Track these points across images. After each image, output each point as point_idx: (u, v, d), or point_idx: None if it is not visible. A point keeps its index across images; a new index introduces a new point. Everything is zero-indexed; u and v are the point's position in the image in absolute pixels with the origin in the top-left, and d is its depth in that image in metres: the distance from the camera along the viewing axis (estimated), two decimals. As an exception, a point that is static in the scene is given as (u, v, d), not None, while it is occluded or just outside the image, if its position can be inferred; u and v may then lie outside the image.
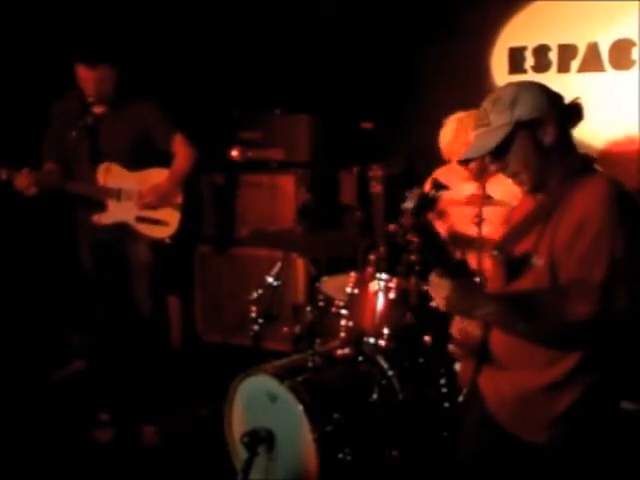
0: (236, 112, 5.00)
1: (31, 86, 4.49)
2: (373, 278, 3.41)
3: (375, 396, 3.13)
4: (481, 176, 3.60)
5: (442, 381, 3.29)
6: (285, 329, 4.03)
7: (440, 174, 3.75)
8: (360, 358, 3.27)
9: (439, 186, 2.17)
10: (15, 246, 4.60)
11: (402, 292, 3.36)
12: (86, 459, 3.65)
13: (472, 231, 3.57)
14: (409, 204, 2.10)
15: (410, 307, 3.35)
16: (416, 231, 2.23)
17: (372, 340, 3.32)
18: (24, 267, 4.64)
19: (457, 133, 3.73)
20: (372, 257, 3.51)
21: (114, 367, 4.02)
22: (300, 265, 4.87)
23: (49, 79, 4.26)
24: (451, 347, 2.27)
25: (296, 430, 2.87)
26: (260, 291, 3.70)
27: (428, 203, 2.12)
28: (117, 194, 3.84)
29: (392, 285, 3.36)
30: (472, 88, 4.56)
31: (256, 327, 3.68)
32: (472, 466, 2.22)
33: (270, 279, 3.74)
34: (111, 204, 3.86)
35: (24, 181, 3.66)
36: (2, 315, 4.41)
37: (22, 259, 4.65)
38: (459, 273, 2.11)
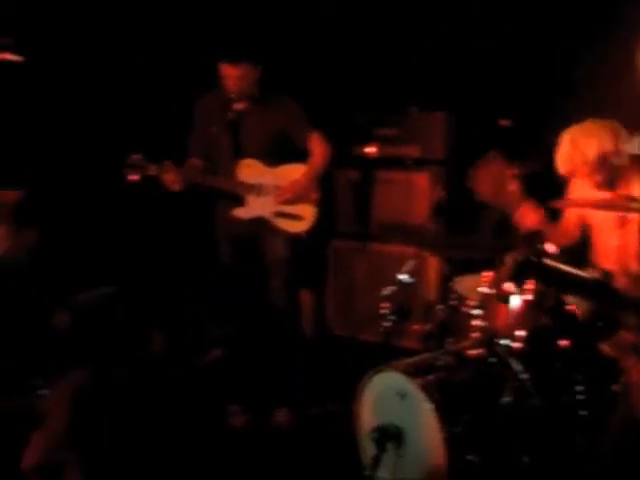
0: (361, 117, 5.03)
1: (177, 84, 4.70)
2: (508, 279, 3.35)
3: (507, 399, 3.07)
4: (611, 186, 3.43)
5: (578, 388, 3.19)
6: (416, 327, 4.03)
7: (573, 187, 3.60)
8: (492, 359, 3.23)
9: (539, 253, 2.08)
10: (158, 238, 4.85)
11: (538, 294, 3.29)
12: (222, 442, 3.82)
13: (614, 235, 3.43)
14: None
15: (546, 310, 3.26)
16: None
17: (505, 342, 3.26)
18: (167, 259, 4.88)
19: (570, 148, 3.50)
20: (508, 258, 3.45)
21: (249, 356, 4.18)
22: (433, 263, 4.86)
23: (195, 77, 4.45)
24: None
25: (425, 429, 2.88)
26: (392, 288, 3.72)
27: (529, 268, 2.04)
28: (256, 189, 3.98)
29: (528, 287, 3.29)
30: (627, 89, 4.36)
31: (387, 324, 3.71)
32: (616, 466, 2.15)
33: (403, 276, 3.75)
34: (250, 199, 4.00)
35: (171, 177, 3.86)
36: (148, 306, 4.64)
37: (165, 251, 4.89)
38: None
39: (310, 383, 4.36)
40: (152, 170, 3.87)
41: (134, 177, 3.86)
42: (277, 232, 4.03)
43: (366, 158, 4.33)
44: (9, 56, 4.29)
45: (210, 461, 3.65)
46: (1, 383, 2.35)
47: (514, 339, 3.25)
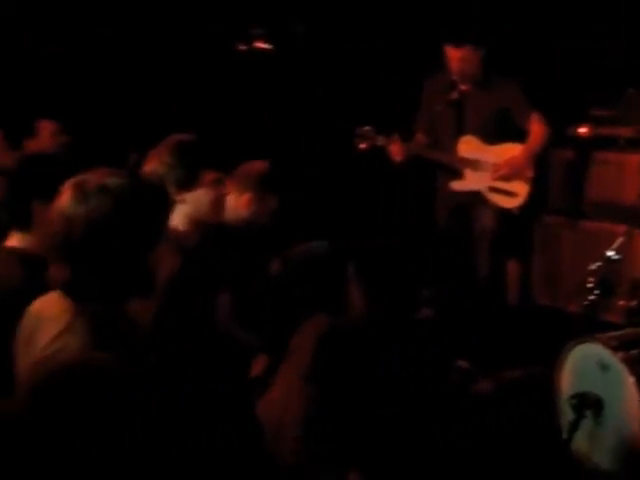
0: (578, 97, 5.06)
1: (404, 66, 5.07)
2: None
3: None
4: None
5: None
6: (621, 302, 4.12)
7: None
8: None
9: None
10: (381, 204, 5.28)
11: None
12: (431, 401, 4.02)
13: None
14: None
15: None
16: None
17: None
18: (387, 224, 5.27)
19: None
20: None
21: (457, 317, 4.48)
22: (642, 242, 4.89)
23: (422, 59, 4.79)
24: None
25: (625, 401, 2.94)
26: (600, 263, 3.85)
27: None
28: (474, 164, 4.29)
29: None
30: None
31: (591, 297, 3.83)
32: None
33: (611, 253, 3.88)
34: (468, 173, 4.32)
35: (396, 148, 4.26)
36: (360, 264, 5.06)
37: (384, 218, 5.30)
38: None
39: (512, 349, 4.53)
40: (380, 141, 4.29)
41: (363, 146, 4.31)
42: (489, 206, 4.31)
43: (581, 138, 4.46)
44: (261, 45, 4.89)
45: (418, 416, 3.77)
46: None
47: None
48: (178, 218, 2.48)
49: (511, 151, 4.25)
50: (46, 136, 4.03)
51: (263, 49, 4.91)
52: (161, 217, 1.61)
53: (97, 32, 4.82)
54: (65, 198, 1.53)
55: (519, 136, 4.28)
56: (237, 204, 3.15)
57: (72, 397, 1.41)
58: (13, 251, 2.23)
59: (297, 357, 2.07)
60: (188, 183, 2.51)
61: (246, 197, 3.20)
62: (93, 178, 1.52)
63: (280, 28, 4.92)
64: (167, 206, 1.68)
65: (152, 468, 1.38)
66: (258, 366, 2.44)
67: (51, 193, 1.96)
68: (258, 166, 3.35)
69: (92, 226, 1.47)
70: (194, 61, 4.89)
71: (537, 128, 4.22)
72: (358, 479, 2.01)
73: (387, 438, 2.86)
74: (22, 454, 1.38)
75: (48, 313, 1.62)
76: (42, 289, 1.76)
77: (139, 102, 4.82)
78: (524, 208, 4.27)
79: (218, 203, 2.70)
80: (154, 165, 2.50)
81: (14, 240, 2.26)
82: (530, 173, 4.24)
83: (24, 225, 2.23)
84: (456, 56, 4.16)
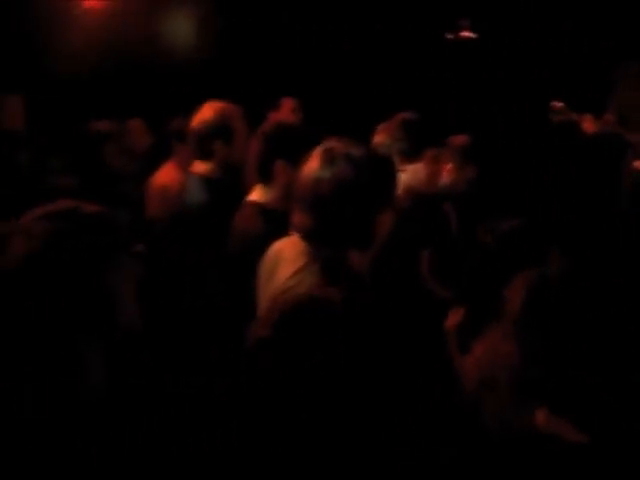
0: None
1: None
2: None
3: None
4: None
5: None
6: None
7: None
8: None
9: None
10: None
11: None
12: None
13: None
14: None
15: None
16: None
17: None
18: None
19: None
20: None
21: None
22: None
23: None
24: None
25: None
26: None
27: None
28: None
29: None
30: None
31: None
32: None
33: None
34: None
35: (589, 125, 4.30)
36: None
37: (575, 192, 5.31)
38: None
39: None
40: (573, 117, 4.36)
41: (557, 120, 4.41)
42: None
43: None
44: (467, 34, 5.13)
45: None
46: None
47: None
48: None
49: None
50: (286, 111, 4.72)
51: (468, 38, 5.15)
52: (391, 184, 1.87)
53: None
54: (315, 162, 1.77)
55: None
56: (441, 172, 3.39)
57: (308, 322, 1.70)
58: (255, 204, 2.50)
59: (509, 307, 2.30)
60: (410, 155, 2.79)
61: (448, 166, 3.45)
62: (339, 146, 1.76)
63: (483, 19, 5.15)
64: (395, 175, 1.94)
65: (357, 393, 1.63)
66: (454, 318, 2.69)
67: (292, 155, 2.31)
68: (460, 139, 3.62)
69: (336, 187, 1.71)
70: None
71: None
72: (547, 415, 2.18)
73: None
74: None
75: (287, 254, 1.90)
76: (278, 238, 2.04)
77: (366, 85, 5.35)
78: None
79: (433, 177, 3.00)
80: (383, 137, 2.84)
81: (256, 194, 2.53)
82: None
83: (266, 180, 2.50)
84: None
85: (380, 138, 2.84)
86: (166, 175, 3.68)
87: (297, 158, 2.36)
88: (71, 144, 4.09)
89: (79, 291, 1.30)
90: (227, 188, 2.79)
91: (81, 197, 1.41)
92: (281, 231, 2.05)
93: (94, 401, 1.34)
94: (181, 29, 6.38)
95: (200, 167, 2.90)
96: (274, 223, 2.26)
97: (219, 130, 2.83)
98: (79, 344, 1.32)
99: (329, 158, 1.75)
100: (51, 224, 1.30)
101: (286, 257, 1.92)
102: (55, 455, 1.27)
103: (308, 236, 1.79)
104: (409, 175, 2.81)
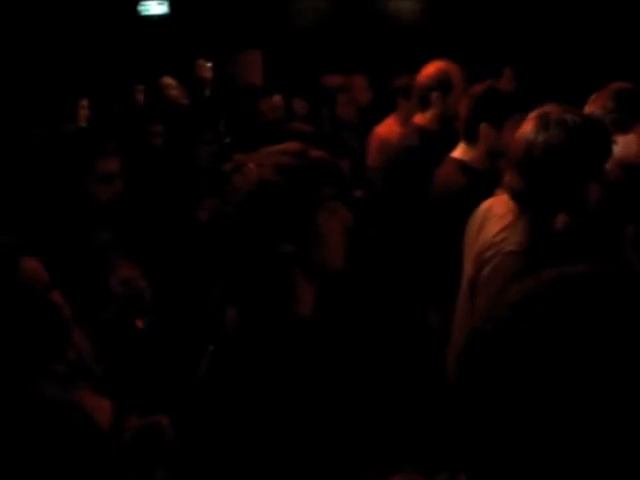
0: None
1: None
2: None
3: None
4: None
5: None
6: None
7: None
8: None
9: None
10: None
11: None
12: None
13: None
14: None
15: None
16: None
17: None
18: None
19: None
20: None
21: None
22: None
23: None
24: None
25: None
26: None
27: None
28: None
29: None
30: None
31: None
32: None
33: None
34: None
35: None
36: None
37: None
38: None
39: None
40: None
41: None
42: None
43: None
44: None
45: None
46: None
47: None
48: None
49: None
50: (506, 80, 4.56)
51: None
52: (604, 153, 1.89)
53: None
54: (529, 126, 1.80)
55: None
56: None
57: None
58: (457, 161, 2.61)
59: None
60: (623, 127, 2.72)
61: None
62: (555, 111, 1.80)
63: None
64: (610, 144, 1.95)
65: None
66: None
67: (498, 119, 2.47)
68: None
69: (549, 151, 1.75)
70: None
71: None
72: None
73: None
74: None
75: (496, 211, 1.98)
76: (477, 195, 2.13)
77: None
78: None
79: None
80: (594, 107, 2.77)
81: (459, 152, 2.63)
82: None
83: (471, 140, 2.57)
84: None
85: (591, 109, 2.64)
86: (387, 128, 4.01)
87: (502, 122, 2.46)
88: (307, 95, 4.42)
89: (296, 223, 1.38)
90: (441, 139, 2.89)
91: (311, 142, 1.53)
92: (479, 189, 2.16)
93: (304, 332, 1.41)
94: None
95: (419, 118, 3.14)
96: (473, 180, 2.47)
97: (438, 82, 3.04)
98: (293, 277, 1.40)
99: (544, 122, 1.81)
100: (281, 158, 1.42)
101: (494, 214, 2.02)
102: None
103: (517, 197, 1.88)
104: (620, 147, 2.73)
